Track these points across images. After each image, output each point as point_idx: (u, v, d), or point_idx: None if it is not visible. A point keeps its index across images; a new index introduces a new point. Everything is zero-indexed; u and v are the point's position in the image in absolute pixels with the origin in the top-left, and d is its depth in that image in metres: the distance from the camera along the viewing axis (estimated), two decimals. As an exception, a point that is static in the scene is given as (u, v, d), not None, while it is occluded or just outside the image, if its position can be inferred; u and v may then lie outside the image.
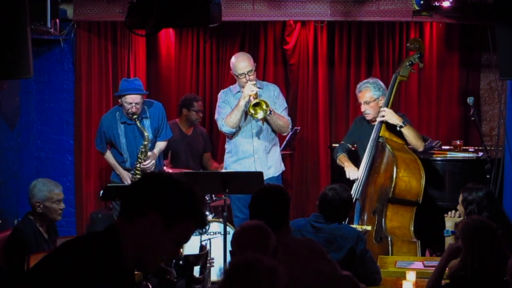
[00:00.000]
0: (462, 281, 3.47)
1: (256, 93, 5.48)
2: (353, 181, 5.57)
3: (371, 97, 5.58)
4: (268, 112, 5.47)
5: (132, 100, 5.70)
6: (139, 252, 2.08)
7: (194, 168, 6.58)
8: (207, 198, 5.99)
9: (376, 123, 5.56)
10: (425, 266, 4.48)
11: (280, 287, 2.22)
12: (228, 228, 5.37)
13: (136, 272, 2.84)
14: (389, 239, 5.20)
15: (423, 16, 6.31)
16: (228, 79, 6.73)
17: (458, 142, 6.37)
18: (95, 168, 6.88)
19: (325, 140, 7.05)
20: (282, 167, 5.92)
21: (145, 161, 5.79)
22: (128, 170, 5.91)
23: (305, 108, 7.07)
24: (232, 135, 5.73)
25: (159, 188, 2.10)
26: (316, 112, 7.05)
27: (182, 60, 7.31)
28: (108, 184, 5.68)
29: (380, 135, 5.53)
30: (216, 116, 5.80)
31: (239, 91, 5.69)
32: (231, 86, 5.87)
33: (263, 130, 5.71)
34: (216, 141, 7.18)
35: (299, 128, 6.94)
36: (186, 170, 6.10)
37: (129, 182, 5.82)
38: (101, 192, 5.30)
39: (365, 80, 5.73)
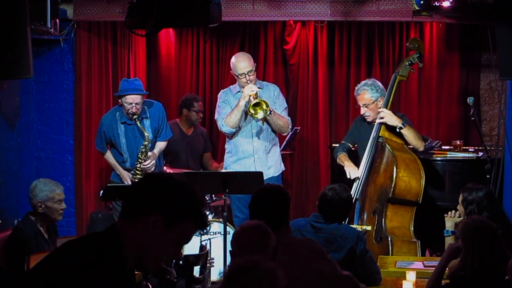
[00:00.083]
0: (462, 281, 3.47)
1: (256, 93, 5.48)
2: (353, 181, 5.57)
3: (369, 99, 5.59)
4: (268, 112, 5.47)
5: (132, 100, 5.70)
6: (140, 252, 2.08)
7: (194, 168, 6.58)
8: (207, 198, 5.99)
9: (376, 123, 5.56)
10: (425, 266, 4.48)
11: None
12: (228, 228, 5.37)
13: (136, 272, 2.84)
14: (389, 239, 5.20)
15: (423, 16, 6.31)
16: (228, 79, 6.73)
17: (458, 142, 6.37)
18: (95, 168, 6.88)
19: (325, 140, 7.05)
20: (282, 167, 5.92)
21: (145, 161, 5.79)
22: (128, 170, 5.91)
23: (305, 108, 7.07)
24: (232, 135, 5.73)
25: (160, 189, 2.10)
26: (316, 112, 7.05)
27: (182, 60, 7.31)
28: (108, 184, 5.68)
29: (380, 135, 5.53)
30: (216, 116, 5.80)
31: (239, 91, 5.70)
32: (231, 86, 5.87)
33: (263, 130, 5.71)
34: (216, 141, 7.18)
35: (299, 128, 6.94)
36: (186, 170, 6.11)
37: (129, 182, 5.83)
38: (101, 192, 5.30)
39: (363, 82, 5.72)
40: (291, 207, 3.60)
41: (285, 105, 5.84)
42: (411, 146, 5.59)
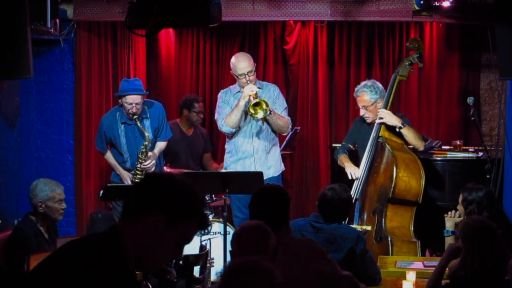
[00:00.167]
0: (462, 281, 3.47)
1: (256, 93, 5.48)
2: (353, 181, 5.58)
3: (368, 101, 5.59)
4: (268, 112, 5.47)
5: (133, 101, 5.70)
6: (141, 252, 2.08)
7: (194, 169, 6.58)
8: (207, 198, 5.99)
9: (376, 123, 5.57)
10: (425, 266, 4.49)
11: None
12: (228, 228, 5.37)
13: (136, 272, 2.84)
14: (389, 239, 5.20)
15: (423, 16, 6.31)
16: (228, 79, 6.73)
17: (458, 142, 6.37)
18: (95, 168, 6.88)
19: (325, 140, 7.05)
20: (282, 167, 5.92)
21: (145, 161, 5.79)
22: (128, 170, 5.91)
23: (305, 108, 7.07)
24: (232, 135, 5.73)
25: (161, 189, 2.10)
26: (316, 112, 7.05)
27: (182, 60, 7.30)
28: (108, 184, 5.68)
29: (380, 135, 5.53)
30: (216, 116, 5.80)
31: (239, 91, 5.69)
32: (231, 86, 5.87)
33: (263, 130, 5.71)
34: (216, 142, 7.18)
35: (299, 128, 6.94)
36: (186, 170, 6.11)
37: (129, 182, 5.83)
38: (101, 192, 5.30)
39: (363, 83, 5.71)
40: (291, 207, 3.60)
41: (285, 105, 5.84)
42: (411, 146, 5.59)
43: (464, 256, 3.49)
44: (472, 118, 5.77)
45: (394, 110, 5.76)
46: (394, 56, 6.94)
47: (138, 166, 5.80)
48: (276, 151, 5.88)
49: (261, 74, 6.91)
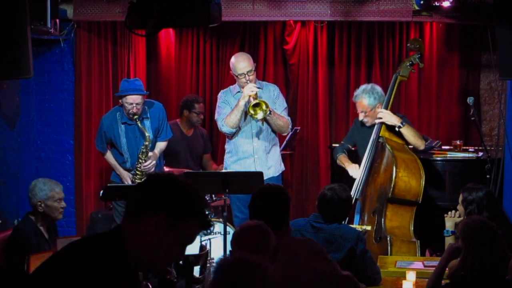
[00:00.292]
0: (462, 281, 3.47)
1: (256, 94, 5.48)
2: (353, 181, 5.58)
3: (367, 107, 5.60)
4: (268, 113, 5.47)
5: (133, 101, 5.70)
6: (144, 253, 2.09)
7: (194, 169, 6.57)
8: (207, 198, 5.99)
9: (376, 123, 5.57)
10: (425, 266, 4.49)
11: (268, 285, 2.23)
12: (228, 228, 5.37)
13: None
14: (388, 239, 5.20)
15: (423, 16, 6.31)
16: (228, 79, 6.73)
17: (458, 142, 6.37)
18: (95, 168, 6.88)
19: (325, 140, 7.05)
20: (282, 167, 5.92)
21: (145, 161, 5.79)
22: (128, 170, 5.91)
23: (305, 108, 7.07)
24: (232, 135, 5.73)
25: (163, 189, 2.10)
26: (316, 112, 7.05)
27: (182, 60, 7.30)
28: (108, 184, 5.68)
29: (380, 135, 5.53)
30: (216, 116, 5.80)
31: (239, 91, 5.69)
32: (231, 86, 5.87)
33: (263, 130, 5.71)
34: (216, 142, 7.18)
35: (299, 128, 6.93)
36: (186, 170, 6.11)
37: (129, 182, 5.83)
38: (101, 192, 5.30)
39: (362, 88, 5.69)
40: (291, 207, 3.61)
41: (285, 105, 5.84)
42: (411, 146, 5.59)
43: (464, 256, 3.49)
44: (472, 118, 5.77)
45: (394, 110, 5.75)
46: (394, 56, 6.94)
47: (138, 166, 5.80)
48: (276, 151, 5.88)
49: (261, 74, 6.91)
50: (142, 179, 5.76)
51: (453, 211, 4.86)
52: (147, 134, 5.76)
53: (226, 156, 5.89)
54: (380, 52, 6.95)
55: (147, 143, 5.77)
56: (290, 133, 6.24)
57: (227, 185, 5.16)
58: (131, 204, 2.15)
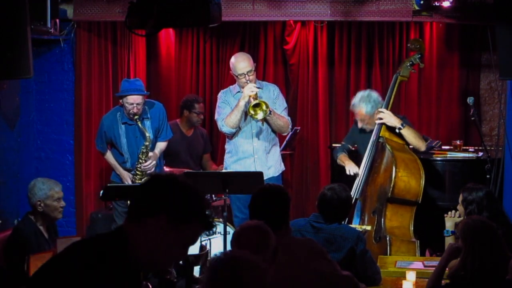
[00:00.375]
0: (462, 281, 3.47)
1: (256, 94, 5.48)
2: (353, 181, 5.58)
3: (365, 115, 5.61)
4: (268, 113, 5.47)
5: (134, 101, 5.70)
6: (146, 253, 2.09)
7: (194, 169, 6.57)
8: (207, 198, 5.99)
9: (376, 123, 5.58)
10: (425, 266, 4.49)
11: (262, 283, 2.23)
12: (228, 228, 5.37)
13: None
14: (387, 238, 5.20)
15: (423, 16, 6.31)
16: (228, 79, 6.73)
17: (458, 142, 6.37)
18: (95, 168, 6.88)
19: (325, 140, 7.05)
20: (282, 167, 5.92)
21: (146, 161, 5.79)
22: (128, 170, 5.91)
23: (305, 108, 7.07)
24: (232, 135, 5.73)
25: (165, 190, 2.11)
26: (316, 112, 7.05)
27: (182, 60, 7.30)
28: (108, 184, 5.68)
29: (380, 135, 5.54)
30: (216, 117, 5.80)
31: (239, 91, 5.69)
32: (231, 86, 5.87)
33: (263, 130, 5.71)
34: (216, 142, 7.18)
35: (299, 128, 6.93)
36: (186, 170, 6.11)
37: (130, 182, 5.83)
38: (101, 192, 5.30)
39: (359, 96, 5.67)
40: (291, 207, 3.60)
41: (285, 105, 5.84)
42: (412, 147, 5.59)
43: (464, 256, 3.49)
44: (472, 118, 5.77)
45: (394, 110, 5.75)
46: (394, 56, 6.94)
47: (139, 166, 5.80)
48: (276, 151, 5.88)
49: (261, 74, 6.91)
50: (142, 179, 5.77)
51: (453, 211, 4.86)
52: (147, 134, 5.76)
53: (226, 156, 5.89)
54: (380, 52, 6.95)
55: (147, 143, 5.77)
56: (290, 133, 6.24)
57: (227, 185, 5.16)
58: (133, 205, 2.16)
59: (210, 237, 5.52)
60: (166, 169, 6.32)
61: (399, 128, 5.48)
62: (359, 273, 3.96)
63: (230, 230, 5.53)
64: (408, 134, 5.50)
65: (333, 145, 6.75)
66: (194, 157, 6.76)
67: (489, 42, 5.90)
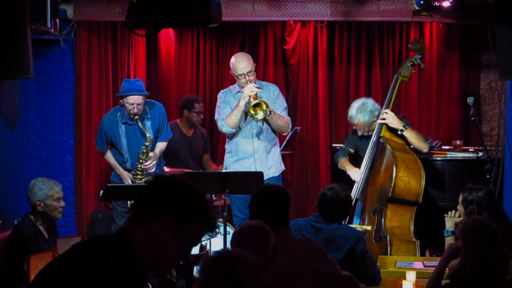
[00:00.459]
0: (462, 281, 3.47)
1: (256, 94, 5.48)
2: (353, 181, 5.59)
3: (364, 125, 5.62)
4: (268, 113, 5.47)
5: (134, 101, 5.71)
6: (152, 255, 2.09)
7: (194, 169, 6.57)
8: (209, 199, 5.99)
9: (377, 123, 5.59)
10: (425, 266, 4.48)
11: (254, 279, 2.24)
12: (228, 228, 5.37)
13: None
14: (387, 238, 5.20)
15: (423, 16, 6.31)
16: (228, 79, 6.73)
17: (458, 142, 6.37)
18: (95, 168, 6.88)
19: (325, 140, 7.05)
20: (282, 167, 5.92)
21: (146, 161, 5.79)
22: (128, 170, 5.91)
23: (305, 108, 7.07)
24: (232, 136, 5.73)
25: (169, 191, 2.11)
26: (316, 112, 7.05)
27: (182, 60, 7.30)
28: (108, 184, 5.68)
29: (381, 135, 5.54)
30: (216, 117, 5.80)
31: (239, 91, 5.69)
32: (231, 86, 5.87)
33: (263, 130, 5.70)
34: (216, 142, 7.18)
35: (299, 128, 6.93)
36: (186, 170, 6.11)
37: (130, 182, 5.83)
38: (101, 192, 5.30)
39: (354, 108, 5.65)
40: (291, 207, 3.60)
41: (285, 105, 5.84)
42: (413, 148, 5.59)
43: (464, 256, 3.49)
44: (472, 118, 5.77)
45: (394, 111, 5.75)
46: (394, 56, 6.94)
47: (139, 166, 5.80)
48: (276, 151, 5.88)
49: (261, 74, 6.91)
50: (143, 179, 5.77)
51: (453, 211, 4.86)
52: (147, 135, 5.76)
53: (226, 156, 5.89)
54: (380, 52, 6.95)
55: (147, 143, 5.77)
56: (290, 133, 6.23)
57: (227, 185, 5.16)
58: (137, 206, 2.16)
59: (210, 237, 5.51)
60: (166, 169, 6.32)
61: (401, 130, 5.48)
62: (359, 273, 3.96)
63: (230, 230, 5.53)
64: (410, 136, 5.51)
65: (333, 145, 6.75)
66: (194, 157, 6.76)
67: (489, 42, 5.90)
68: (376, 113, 5.62)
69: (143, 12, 3.90)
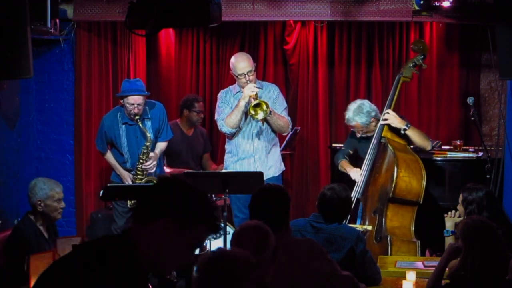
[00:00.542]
0: (462, 281, 3.47)
1: (256, 94, 5.48)
2: (354, 181, 5.59)
3: (362, 126, 5.62)
4: (269, 113, 5.47)
5: (135, 101, 5.71)
6: (154, 256, 2.09)
7: (195, 169, 6.57)
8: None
9: (379, 124, 5.59)
10: (425, 266, 4.48)
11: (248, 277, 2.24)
12: (228, 228, 5.37)
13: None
14: (388, 238, 5.20)
15: (423, 16, 6.31)
16: (228, 79, 6.73)
17: (458, 142, 6.37)
18: (95, 168, 6.88)
19: (325, 140, 7.05)
20: (282, 167, 5.92)
21: (146, 162, 5.80)
22: (128, 170, 5.91)
23: (305, 108, 7.07)
24: (232, 136, 5.73)
25: (172, 192, 2.11)
26: (316, 112, 7.05)
27: (182, 60, 7.30)
28: (108, 184, 5.68)
29: (383, 135, 5.54)
30: (216, 117, 5.80)
31: (238, 91, 5.69)
32: (231, 86, 5.87)
33: (263, 130, 5.70)
34: (216, 142, 7.18)
35: (299, 128, 6.93)
36: (186, 170, 6.11)
37: (130, 182, 5.83)
38: (101, 192, 5.30)
39: (351, 110, 5.63)
40: (291, 207, 3.60)
41: (285, 105, 5.84)
42: (413, 147, 5.59)
43: (464, 256, 3.49)
44: (472, 118, 5.77)
45: (395, 111, 5.75)
46: (394, 56, 6.94)
47: (139, 166, 5.81)
48: (276, 151, 5.88)
49: (261, 74, 6.91)
50: (143, 180, 5.78)
51: (453, 211, 4.86)
52: (148, 135, 5.77)
53: (226, 156, 5.89)
54: (380, 52, 6.95)
55: (148, 143, 5.77)
56: (290, 133, 6.23)
57: (227, 185, 5.16)
58: (140, 207, 2.16)
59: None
60: (167, 169, 6.32)
61: (404, 129, 5.48)
62: (359, 273, 3.95)
63: (230, 230, 5.53)
64: (413, 134, 5.51)
65: (333, 145, 6.75)
66: (195, 156, 6.76)
67: (489, 42, 5.90)
68: (373, 113, 5.62)
69: (143, 12, 3.90)
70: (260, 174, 5.20)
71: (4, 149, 6.35)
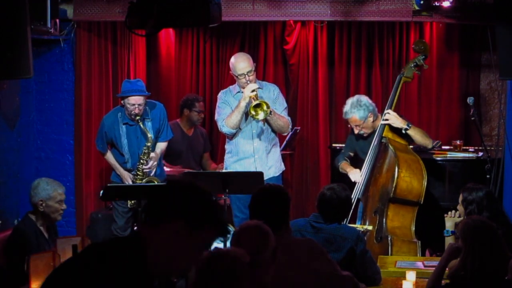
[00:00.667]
0: (462, 281, 3.47)
1: (257, 94, 5.48)
2: (354, 182, 5.59)
3: (359, 121, 5.62)
4: (269, 113, 5.47)
5: (135, 102, 5.71)
6: (165, 259, 2.09)
7: (195, 169, 6.58)
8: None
9: (379, 124, 5.59)
10: (425, 266, 4.48)
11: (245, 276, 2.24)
12: (228, 228, 5.36)
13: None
14: (389, 238, 5.20)
15: (423, 16, 6.31)
16: (228, 79, 6.73)
17: (458, 142, 6.37)
18: (95, 168, 6.88)
19: (325, 140, 7.05)
20: (282, 167, 5.92)
21: (147, 162, 5.80)
22: (129, 170, 5.91)
23: (305, 108, 7.07)
24: (233, 136, 5.73)
25: (184, 196, 2.12)
26: (316, 112, 7.05)
27: (182, 60, 7.31)
28: (108, 184, 5.68)
29: (383, 135, 5.54)
30: (216, 117, 5.80)
31: (239, 92, 5.69)
32: (231, 87, 5.87)
33: (263, 131, 5.71)
34: (216, 142, 7.18)
35: (299, 128, 6.94)
36: (186, 169, 6.11)
37: (130, 182, 5.83)
38: (101, 192, 5.31)
39: (348, 104, 5.65)
40: (291, 207, 3.60)
41: (285, 105, 5.84)
42: (413, 146, 5.59)
43: (464, 256, 3.49)
44: (472, 118, 5.77)
45: (395, 111, 5.75)
46: (394, 56, 6.94)
47: (140, 167, 5.81)
48: (277, 151, 5.88)
49: (261, 74, 6.91)
50: (143, 180, 5.78)
51: (453, 211, 4.86)
52: (149, 135, 5.77)
53: (226, 156, 5.89)
54: (380, 52, 6.95)
55: (149, 143, 5.78)
56: (290, 133, 6.24)
57: (227, 185, 5.16)
58: (150, 210, 2.15)
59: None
60: (167, 169, 6.33)
61: (405, 129, 5.48)
62: (359, 273, 3.95)
63: (230, 230, 5.52)
64: (415, 133, 5.51)
65: (333, 145, 6.75)
66: (195, 156, 6.77)
67: (489, 42, 5.90)
68: (371, 108, 5.61)
69: (143, 12, 3.90)
70: (260, 174, 5.20)
71: (4, 149, 6.35)
